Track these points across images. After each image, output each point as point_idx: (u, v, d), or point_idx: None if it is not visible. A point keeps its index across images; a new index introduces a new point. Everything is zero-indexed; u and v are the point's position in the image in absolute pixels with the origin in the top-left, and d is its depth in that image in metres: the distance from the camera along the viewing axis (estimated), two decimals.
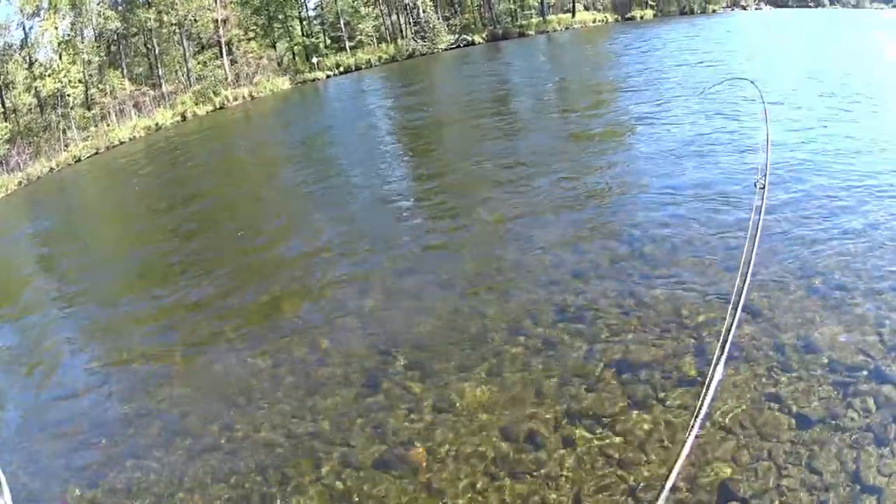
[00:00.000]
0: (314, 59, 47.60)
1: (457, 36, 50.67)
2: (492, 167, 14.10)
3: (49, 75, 41.68)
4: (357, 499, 5.48)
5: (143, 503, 6.10)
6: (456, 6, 58.63)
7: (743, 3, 63.48)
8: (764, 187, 7.24)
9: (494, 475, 5.32)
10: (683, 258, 7.97)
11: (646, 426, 5.42)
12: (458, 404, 6.24)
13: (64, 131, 40.72)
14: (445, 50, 47.03)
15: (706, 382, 4.64)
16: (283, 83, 40.29)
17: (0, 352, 11.31)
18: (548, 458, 5.32)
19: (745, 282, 5.94)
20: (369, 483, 5.58)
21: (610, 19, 54.91)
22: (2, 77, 42.63)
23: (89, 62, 43.09)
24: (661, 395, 5.73)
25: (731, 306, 5.59)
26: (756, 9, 62.74)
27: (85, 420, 7.78)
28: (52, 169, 38.38)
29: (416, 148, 19.02)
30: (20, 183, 37.69)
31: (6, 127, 40.60)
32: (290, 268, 11.08)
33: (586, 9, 57.09)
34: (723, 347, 5.05)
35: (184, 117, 38.83)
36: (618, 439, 5.34)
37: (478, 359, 6.83)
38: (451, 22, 54.57)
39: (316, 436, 6.28)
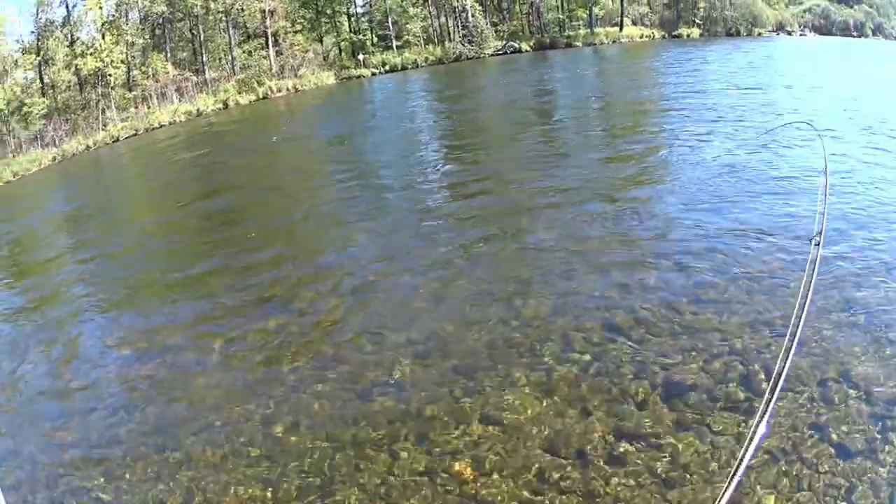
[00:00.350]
0: (360, 56, 47.98)
1: (504, 42, 50.83)
2: (537, 181, 14.13)
3: (91, 54, 42.48)
4: None
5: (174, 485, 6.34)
6: (504, 13, 58.82)
7: (788, 29, 63.05)
8: (821, 233, 7.27)
9: (539, 490, 5.44)
10: (735, 290, 8.00)
11: (693, 449, 5.53)
12: (505, 417, 6.34)
13: (103, 111, 41.50)
14: (492, 55, 47.20)
15: (760, 411, 4.71)
16: (328, 78, 40.72)
17: (27, 325, 11.73)
18: (594, 475, 5.43)
19: (800, 317, 6.01)
20: (412, 491, 5.71)
21: (657, 35, 54.75)
22: (42, 53, 43.44)
23: (132, 44, 43.91)
24: (709, 418, 5.83)
25: (786, 338, 5.67)
26: (801, 35, 62.23)
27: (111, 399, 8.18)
28: (88, 147, 39.18)
29: (457, 155, 19.11)
30: (54, 158, 38.47)
31: (43, 102, 41.46)
32: (329, 272, 11.19)
33: (634, 23, 56.95)
34: (777, 378, 5.13)
35: (226, 105, 39.42)
36: (665, 460, 5.46)
37: (526, 372, 6.94)
38: (498, 28, 54.76)
39: (359, 441, 6.42)
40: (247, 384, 7.90)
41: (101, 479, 6.58)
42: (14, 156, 39.11)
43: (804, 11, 66.68)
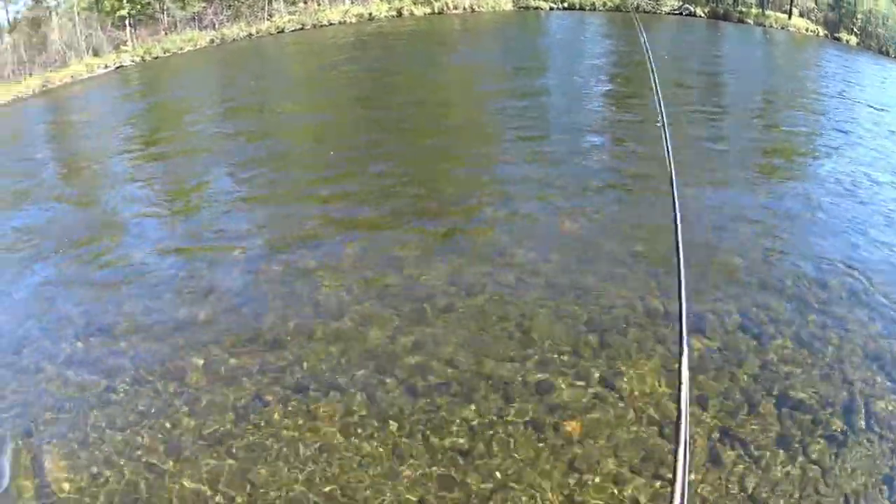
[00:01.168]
0: None
1: (681, 3, 48.70)
2: (700, 151, 13.84)
3: None
4: (499, 455, 5.89)
5: None
6: None
7: None
8: None
9: (637, 469, 5.64)
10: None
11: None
12: (623, 387, 6.56)
13: (270, 1, 42.28)
14: (667, 14, 45.45)
15: None
16: (506, 3, 39.95)
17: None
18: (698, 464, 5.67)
19: None
20: (518, 443, 6.01)
21: (820, 33, 51.67)
22: None
23: None
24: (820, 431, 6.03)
25: None
26: None
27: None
28: (250, 35, 40.80)
29: (627, 102, 18.37)
30: (212, 41, 40.49)
31: None
32: (482, 194, 11.70)
33: (801, 15, 53.92)
34: None
35: (399, 13, 39.64)
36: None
37: (650, 349, 7.06)
38: None
39: (470, 381, 6.78)
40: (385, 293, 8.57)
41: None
42: (166, 34, 40.77)
43: None
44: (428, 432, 6.17)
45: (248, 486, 5.88)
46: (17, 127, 32.81)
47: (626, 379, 6.59)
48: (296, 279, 9.18)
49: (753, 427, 6.02)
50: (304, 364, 7.28)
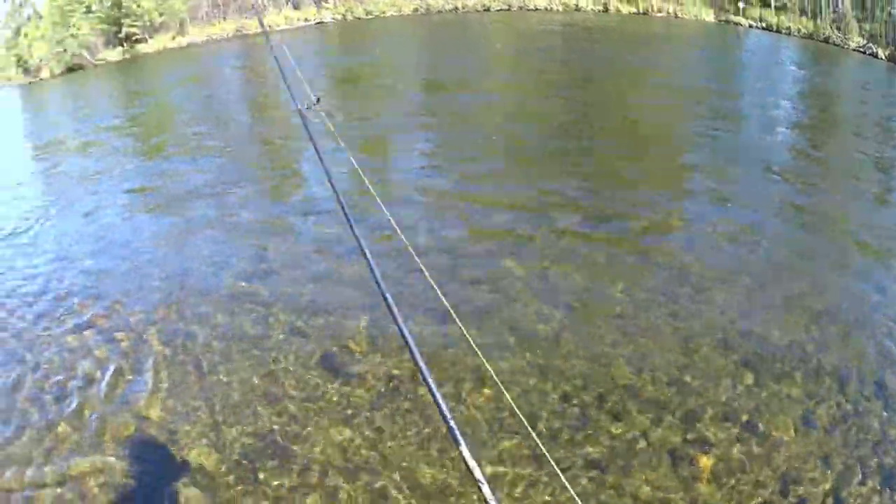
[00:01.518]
0: (741, 4, 46.90)
1: (865, 42, 47.34)
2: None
3: None
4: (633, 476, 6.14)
5: None
6: (867, 12, 53.99)
7: None
8: None
9: None
10: None
11: None
12: (766, 426, 6.68)
13: None
14: (853, 49, 44.04)
15: None
16: (708, 14, 40.28)
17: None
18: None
19: None
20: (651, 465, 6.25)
21: None
22: None
23: None
24: None
25: None
26: None
27: None
28: (455, 8, 42.71)
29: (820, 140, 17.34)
30: (416, 9, 42.83)
31: None
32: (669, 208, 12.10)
33: None
34: None
35: (606, 8, 39.98)
36: None
37: (801, 402, 7.09)
38: (862, 26, 50.75)
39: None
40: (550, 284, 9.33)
41: None
42: None
43: None
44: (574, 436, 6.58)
45: (378, 456, 6.47)
46: (208, 68, 35.70)
47: (769, 426, 6.68)
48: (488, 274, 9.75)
49: None
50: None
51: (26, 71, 48.16)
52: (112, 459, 6.74)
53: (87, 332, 9.18)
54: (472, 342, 3.85)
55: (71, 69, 45.93)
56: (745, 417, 6.82)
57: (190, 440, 6.90)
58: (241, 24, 45.30)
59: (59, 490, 6.42)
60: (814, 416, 6.83)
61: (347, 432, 6.79)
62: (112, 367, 8.24)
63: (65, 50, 46.27)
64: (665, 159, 15.06)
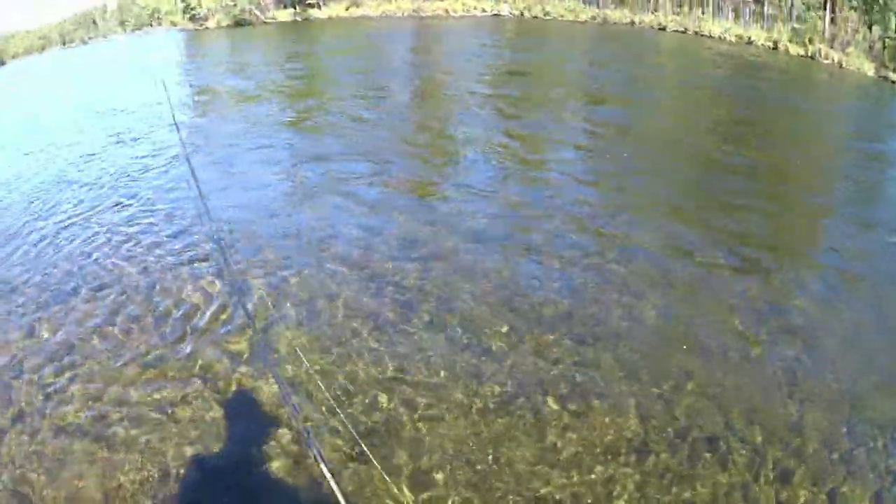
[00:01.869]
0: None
1: None
2: None
3: None
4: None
5: None
6: None
7: None
8: None
9: None
10: None
11: None
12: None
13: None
14: None
15: None
16: (869, 69, 41.60)
17: None
18: None
19: None
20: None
21: None
22: None
23: None
24: None
25: None
26: None
27: None
28: (632, 22, 44.53)
29: None
30: (594, 17, 45.26)
31: None
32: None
33: None
34: None
35: (776, 46, 41.15)
36: None
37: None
38: None
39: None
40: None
41: None
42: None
43: None
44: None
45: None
46: (382, 43, 37.23)
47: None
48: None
49: None
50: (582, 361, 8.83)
51: (193, 18, 51.33)
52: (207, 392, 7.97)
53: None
54: None
55: (238, 23, 48.79)
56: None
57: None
58: (419, 6, 47.51)
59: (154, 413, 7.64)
60: None
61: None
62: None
63: (235, 4, 49.13)
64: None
